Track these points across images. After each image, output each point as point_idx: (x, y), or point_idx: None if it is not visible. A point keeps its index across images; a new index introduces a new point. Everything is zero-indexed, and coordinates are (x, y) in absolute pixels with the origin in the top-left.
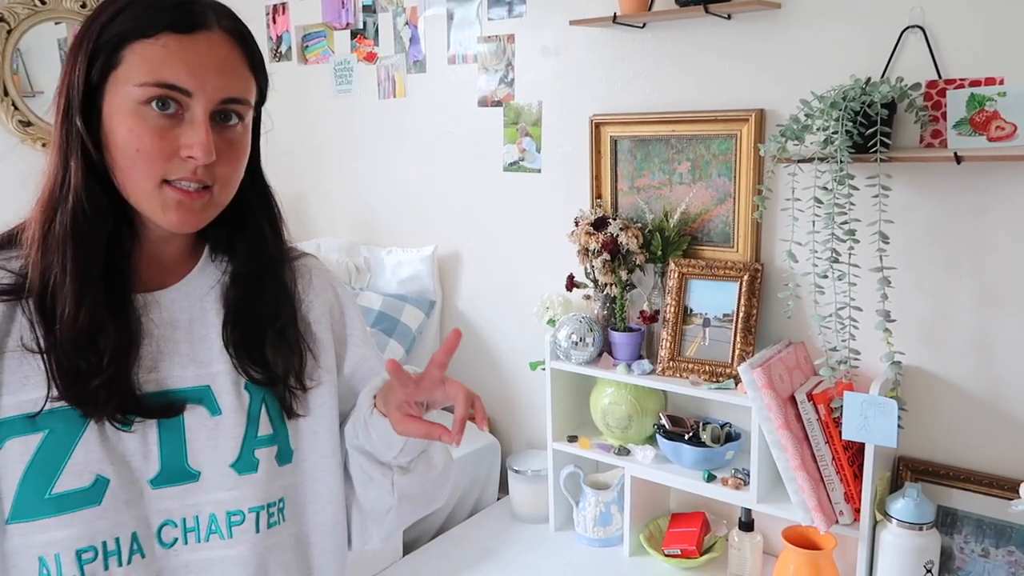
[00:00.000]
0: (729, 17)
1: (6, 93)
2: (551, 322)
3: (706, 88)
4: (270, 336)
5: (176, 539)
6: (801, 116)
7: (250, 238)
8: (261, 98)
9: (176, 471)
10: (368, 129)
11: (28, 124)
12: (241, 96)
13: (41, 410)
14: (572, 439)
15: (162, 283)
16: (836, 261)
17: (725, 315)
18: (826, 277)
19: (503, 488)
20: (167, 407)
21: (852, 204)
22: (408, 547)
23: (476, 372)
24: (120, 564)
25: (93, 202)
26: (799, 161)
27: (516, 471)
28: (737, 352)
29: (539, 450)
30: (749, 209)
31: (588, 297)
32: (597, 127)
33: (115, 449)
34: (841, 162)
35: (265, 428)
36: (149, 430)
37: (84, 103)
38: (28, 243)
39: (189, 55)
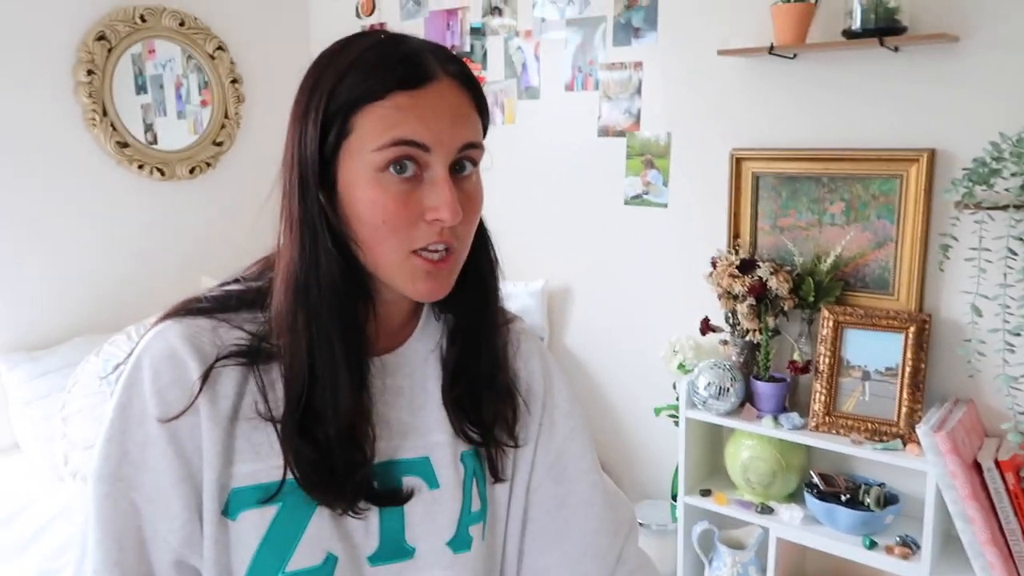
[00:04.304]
0: (896, 50)
1: (105, 114)
2: (681, 367)
3: (865, 124)
4: (486, 394)
5: None
6: (988, 159)
7: (472, 291)
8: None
9: (394, 548)
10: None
11: (125, 145)
12: (475, 140)
13: (281, 484)
14: (705, 493)
15: (387, 346)
16: None
17: (888, 368)
18: (1019, 335)
19: None
20: (396, 492)
21: None
22: None
23: (586, 415)
24: None
25: (345, 279)
26: (989, 208)
27: (640, 524)
28: (904, 410)
29: (656, 500)
30: (915, 255)
31: (725, 342)
32: (738, 162)
33: (343, 525)
34: None
35: (476, 503)
36: (370, 510)
37: (319, 175)
38: (278, 328)
39: (422, 109)
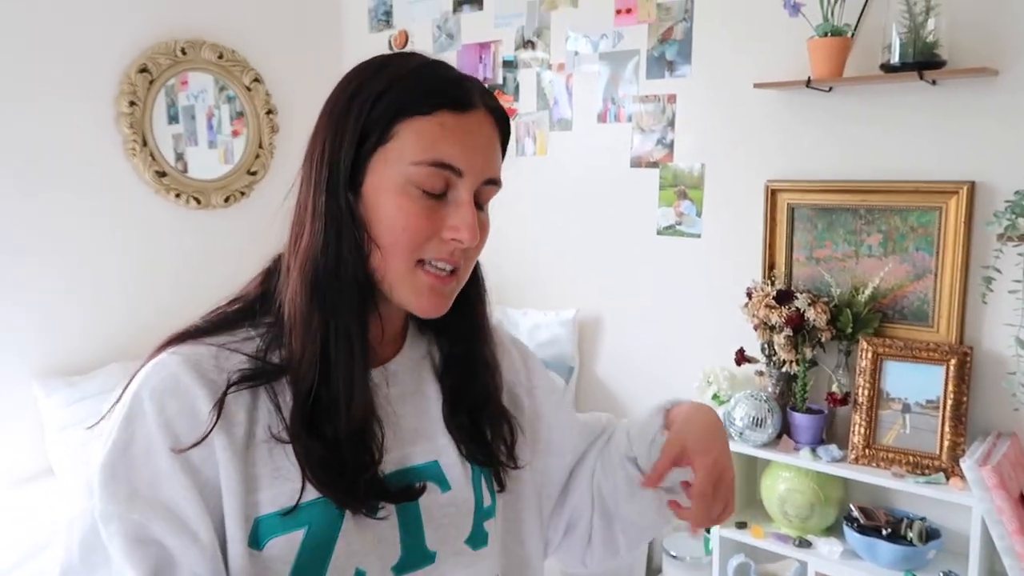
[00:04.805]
0: (935, 83)
1: (144, 144)
2: (716, 397)
3: (904, 157)
4: (487, 416)
5: None
6: None
7: (462, 317)
8: None
9: (416, 555)
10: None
11: (163, 174)
12: (498, 177)
13: (298, 504)
14: (741, 525)
15: (384, 356)
16: None
17: (929, 401)
18: None
19: (649, 572)
20: (410, 489)
21: None
22: None
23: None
24: None
25: (363, 280)
26: None
27: (673, 556)
28: (946, 443)
29: (688, 532)
30: (955, 287)
31: (761, 373)
32: (773, 193)
33: (367, 538)
34: None
35: (487, 499)
36: (390, 514)
37: (349, 177)
38: (291, 322)
39: (463, 134)
